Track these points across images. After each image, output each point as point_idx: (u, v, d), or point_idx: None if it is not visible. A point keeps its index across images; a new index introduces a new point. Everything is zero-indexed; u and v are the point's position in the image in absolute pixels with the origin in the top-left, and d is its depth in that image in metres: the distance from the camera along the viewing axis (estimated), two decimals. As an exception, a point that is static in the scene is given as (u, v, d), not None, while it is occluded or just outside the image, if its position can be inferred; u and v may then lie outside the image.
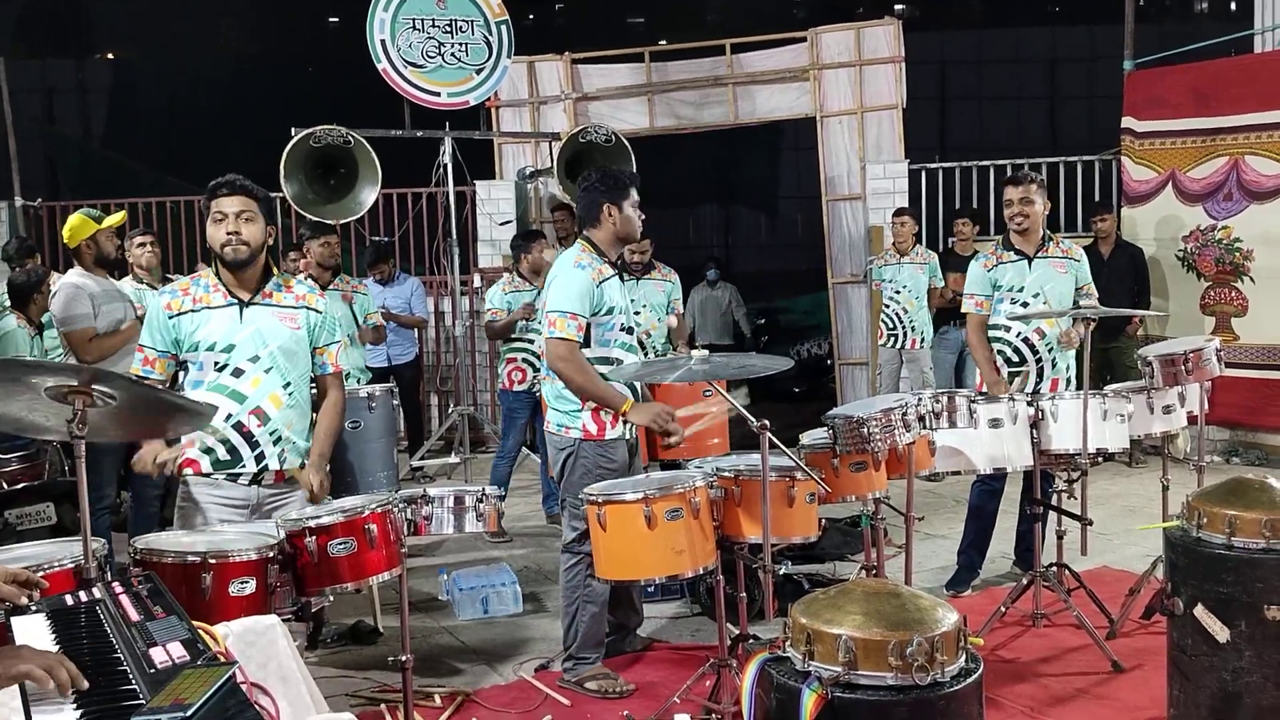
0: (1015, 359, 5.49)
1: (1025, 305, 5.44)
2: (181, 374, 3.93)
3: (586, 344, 4.46)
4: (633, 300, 6.87)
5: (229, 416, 3.81)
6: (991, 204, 9.80)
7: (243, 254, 3.82)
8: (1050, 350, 5.44)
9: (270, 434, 3.86)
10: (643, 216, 4.66)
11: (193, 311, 3.84)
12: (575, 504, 4.49)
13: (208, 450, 3.84)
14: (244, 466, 3.85)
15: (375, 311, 7.16)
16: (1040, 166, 10.04)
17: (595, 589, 4.51)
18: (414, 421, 9.38)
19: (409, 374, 9.00)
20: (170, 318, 3.85)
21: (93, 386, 2.83)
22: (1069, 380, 5.49)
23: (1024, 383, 5.35)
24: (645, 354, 4.87)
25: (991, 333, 5.55)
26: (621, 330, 4.54)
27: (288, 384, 3.90)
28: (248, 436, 3.83)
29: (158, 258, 6.53)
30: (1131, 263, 8.76)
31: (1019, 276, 5.47)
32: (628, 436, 4.57)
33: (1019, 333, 5.46)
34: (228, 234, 3.79)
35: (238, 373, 3.82)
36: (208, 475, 3.84)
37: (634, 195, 4.60)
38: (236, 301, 3.86)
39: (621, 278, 4.68)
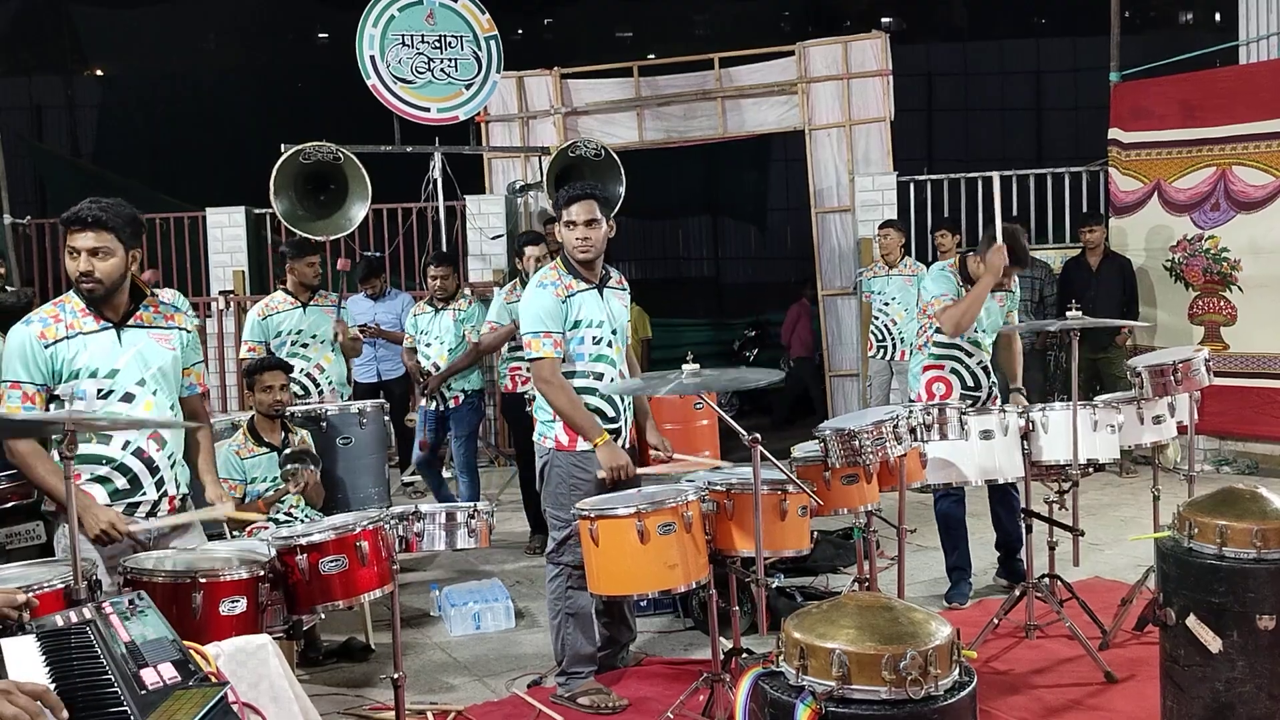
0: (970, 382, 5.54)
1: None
2: (53, 407, 3.61)
3: (563, 359, 4.48)
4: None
5: (127, 444, 3.65)
6: (979, 215, 9.84)
7: (98, 292, 3.60)
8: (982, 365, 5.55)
9: (168, 457, 3.74)
10: (611, 232, 4.62)
11: (68, 339, 3.60)
12: (554, 513, 4.53)
13: (101, 480, 3.64)
14: (144, 495, 3.68)
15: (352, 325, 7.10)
16: (1028, 177, 10.11)
17: (577, 600, 4.52)
18: (404, 437, 9.35)
19: (399, 390, 8.98)
20: (45, 346, 3.58)
21: None
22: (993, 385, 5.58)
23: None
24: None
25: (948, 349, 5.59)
26: (593, 343, 4.53)
27: (173, 406, 3.77)
28: (148, 462, 3.68)
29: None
30: (1120, 274, 8.80)
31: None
32: (624, 448, 4.57)
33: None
34: (81, 273, 3.56)
35: (128, 398, 3.63)
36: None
37: (571, 213, 4.50)
38: (111, 324, 3.66)
39: (601, 292, 4.63)
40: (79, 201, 3.63)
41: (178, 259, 10.47)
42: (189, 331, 3.87)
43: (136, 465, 3.67)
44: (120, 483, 3.65)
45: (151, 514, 3.69)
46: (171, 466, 3.76)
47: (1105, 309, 8.14)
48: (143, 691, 1.96)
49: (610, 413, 4.55)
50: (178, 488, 3.78)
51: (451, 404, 7.16)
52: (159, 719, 1.80)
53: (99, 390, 3.60)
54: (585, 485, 4.45)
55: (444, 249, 8.85)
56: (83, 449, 3.52)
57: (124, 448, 3.65)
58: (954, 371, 5.53)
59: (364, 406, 6.00)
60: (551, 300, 4.48)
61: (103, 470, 3.63)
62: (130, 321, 3.71)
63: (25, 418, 3.44)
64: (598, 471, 4.45)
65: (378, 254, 9.81)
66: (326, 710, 4.39)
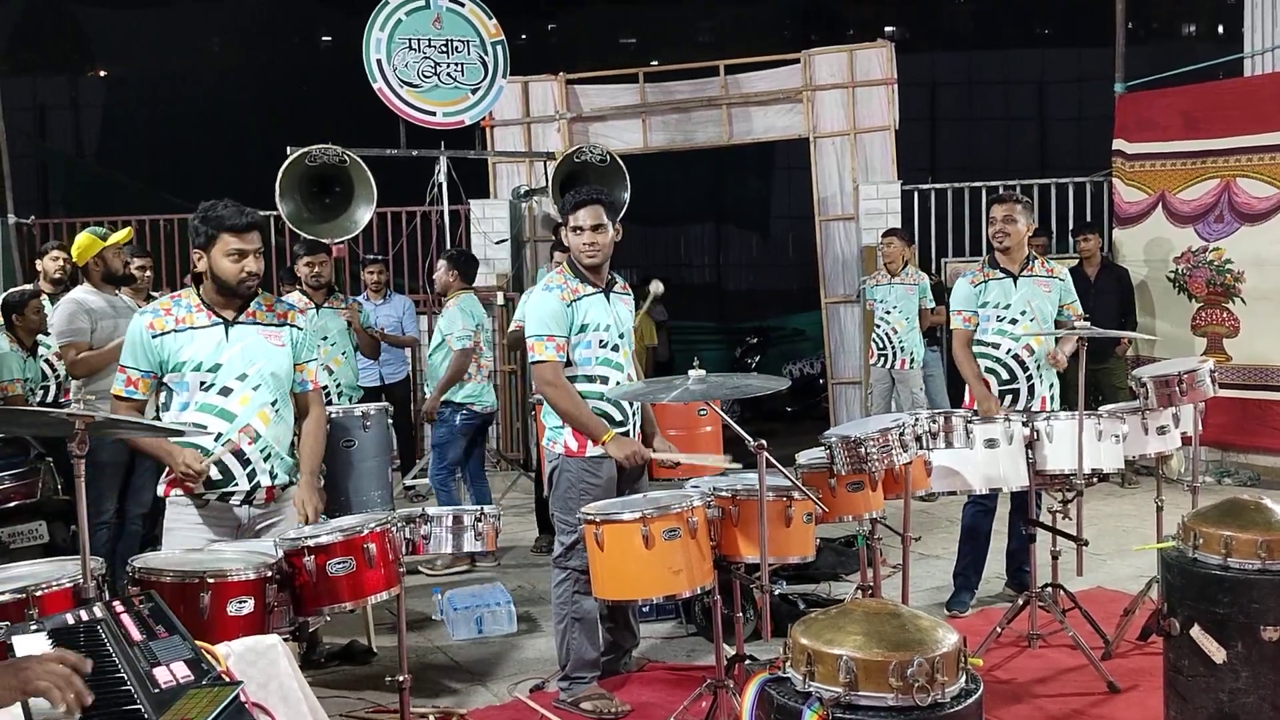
0: (1006, 376, 5.52)
1: (1014, 322, 5.50)
2: (163, 395, 3.90)
3: (567, 363, 4.50)
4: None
5: (219, 435, 3.81)
6: (982, 225, 9.84)
7: (255, 290, 3.90)
8: (1039, 366, 5.50)
9: (261, 451, 3.87)
10: (618, 236, 4.63)
11: (176, 331, 3.82)
12: (563, 518, 4.55)
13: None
14: (236, 486, 3.84)
15: (371, 326, 7.13)
16: (1031, 187, 10.12)
17: (583, 605, 4.52)
18: (405, 441, 9.36)
19: (400, 393, 8.99)
20: (154, 337, 3.82)
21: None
22: (1053, 398, 5.54)
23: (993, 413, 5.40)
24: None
25: (979, 349, 5.60)
26: (600, 347, 4.55)
27: (274, 401, 3.90)
28: (239, 454, 3.83)
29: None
30: (1118, 284, 8.82)
31: (1004, 294, 5.54)
32: None
33: (1009, 349, 5.51)
34: (248, 273, 3.82)
35: (225, 391, 3.82)
36: (200, 496, 3.83)
37: (578, 218, 4.53)
38: (221, 321, 3.86)
39: (608, 296, 4.65)
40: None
41: (181, 260, 10.47)
42: (300, 329, 4.04)
43: (227, 457, 3.82)
44: (213, 473, 3.81)
45: (246, 503, 3.86)
46: (267, 459, 3.88)
47: (1103, 319, 8.11)
48: (156, 690, 1.97)
49: (618, 416, 4.55)
50: (274, 479, 3.90)
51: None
52: (173, 717, 1.80)
53: (201, 383, 3.81)
54: (595, 490, 4.45)
55: (445, 251, 8.81)
56: (180, 440, 3.76)
57: (217, 439, 3.81)
58: (990, 370, 5.54)
59: (368, 409, 5.99)
60: (557, 304, 4.50)
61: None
62: (241, 319, 3.88)
63: (37, 412, 3.49)
64: (610, 475, 4.47)
65: (380, 256, 9.81)
66: (330, 712, 4.38)
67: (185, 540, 3.76)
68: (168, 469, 3.85)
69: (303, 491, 3.93)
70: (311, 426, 4.10)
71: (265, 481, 3.87)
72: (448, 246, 8.78)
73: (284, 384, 3.96)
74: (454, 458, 7.02)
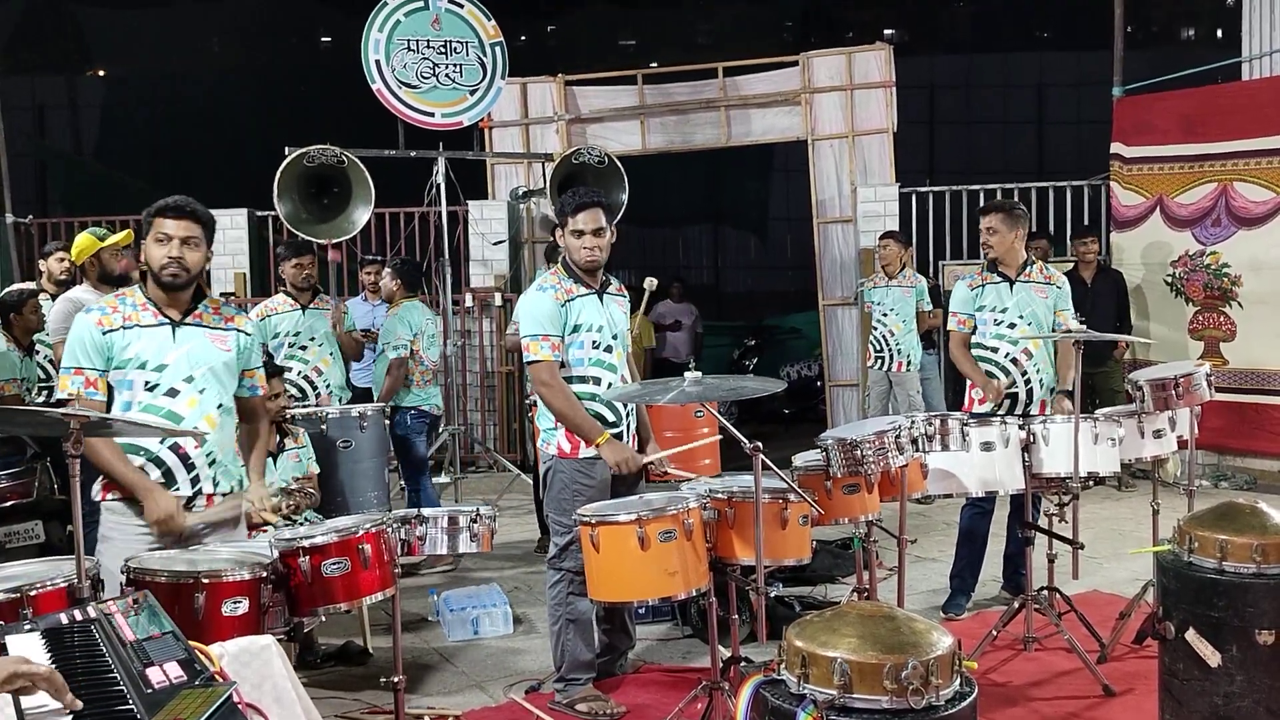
0: (1004, 379, 5.55)
1: (1011, 326, 5.53)
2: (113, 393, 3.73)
3: (561, 364, 4.51)
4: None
5: (164, 439, 3.69)
6: (980, 228, 9.84)
7: (182, 279, 3.70)
8: (1037, 371, 5.52)
9: (206, 456, 3.75)
10: (613, 238, 4.63)
11: (124, 329, 3.70)
12: (556, 519, 4.57)
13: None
14: (178, 490, 3.70)
15: (352, 328, 7.07)
16: (1029, 190, 10.13)
17: (578, 606, 4.53)
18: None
19: (395, 395, 8.98)
20: (104, 334, 3.69)
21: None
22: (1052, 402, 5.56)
23: (998, 397, 5.44)
24: None
25: (977, 352, 5.63)
26: (593, 348, 4.55)
27: (221, 405, 3.80)
28: (184, 459, 3.71)
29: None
30: (1114, 288, 8.82)
31: (1000, 298, 5.59)
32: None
33: (1006, 353, 5.53)
34: (170, 257, 3.66)
35: (172, 393, 3.69)
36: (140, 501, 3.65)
37: (577, 221, 4.52)
38: (168, 321, 3.74)
39: (601, 297, 4.65)
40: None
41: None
42: (248, 335, 3.93)
43: (171, 460, 3.70)
44: (155, 475, 3.68)
45: (187, 508, 3.73)
46: (211, 465, 3.77)
47: (1099, 323, 8.13)
48: (148, 690, 1.97)
49: (611, 417, 4.56)
50: (216, 485, 3.79)
51: None
52: (165, 717, 1.80)
53: (146, 383, 3.68)
54: (588, 491, 4.46)
55: (445, 254, 8.82)
56: (121, 440, 3.62)
57: (161, 442, 3.69)
58: (988, 374, 5.57)
59: (365, 410, 6.00)
60: (550, 304, 4.50)
61: (138, 462, 3.67)
62: (188, 320, 3.77)
63: (33, 411, 3.45)
64: (604, 476, 4.47)
65: (379, 257, 9.81)
66: (323, 714, 4.38)
67: (125, 550, 3.54)
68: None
69: (258, 490, 3.92)
70: (257, 430, 4.03)
71: (207, 489, 3.76)
72: (446, 247, 8.78)
73: (229, 389, 3.85)
74: (419, 456, 7.06)
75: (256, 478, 3.96)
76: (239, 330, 3.89)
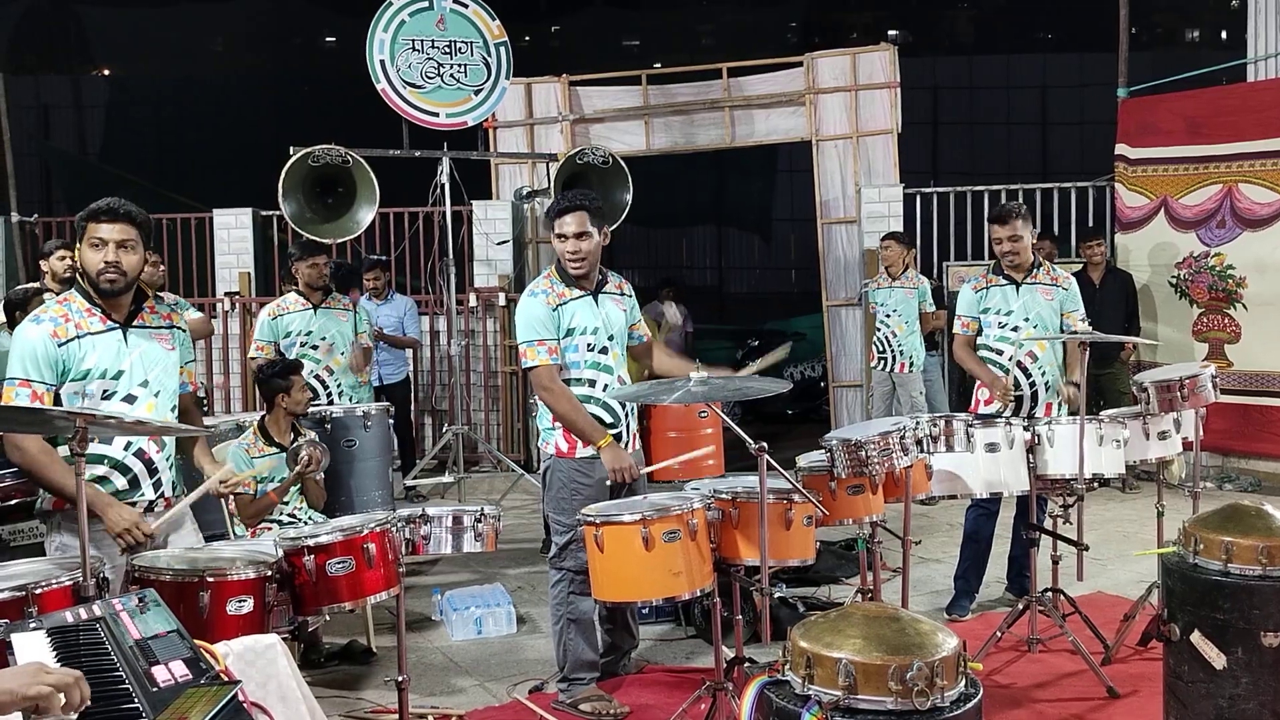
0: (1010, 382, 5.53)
1: (1016, 329, 5.52)
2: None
3: (560, 366, 4.51)
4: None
5: (129, 444, 3.66)
6: (984, 229, 9.84)
7: (119, 285, 3.61)
8: (1043, 374, 5.51)
9: (166, 460, 3.76)
10: (606, 240, 4.62)
11: (79, 338, 3.59)
12: (556, 518, 4.58)
13: (100, 479, 3.62)
14: (143, 495, 3.69)
15: (364, 331, 7.05)
16: (1034, 192, 10.12)
17: (580, 606, 4.53)
18: (406, 441, 9.37)
19: (400, 394, 8.99)
20: (60, 345, 3.56)
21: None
22: (1058, 404, 5.54)
23: (1006, 395, 5.42)
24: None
25: (983, 355, 5.62)
26: (588, 350, 4.55)
27: (173, 407, 3.78)
28: (148, 464, 3.70)
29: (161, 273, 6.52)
30: (1122, 289, 8.82)
31: (1005, 301, 5.57)
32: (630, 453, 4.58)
33: (1011, 355, 5.51)
34: (105, 263, 3.56)
35: (130, 399, 3.64)
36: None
37: (562, 224, 4.50)
38: (117, 325, 3.66)
39: (596, 298, 4.63)
40: (85, 200, 3.65)
41: (184, 260, 10.49)
42: (184, 330, 3.90)
43: (137, 466, 3.69)
44: (120, 483, 3.66)
45: (148, 512, 3.70)
46: (170, 468, 3.80)
47: (1108, 324, 8.13)
48: (154, 689, 1.97)
49: (608, 419, 4.56)
50: (173, 489, 3.81)
51: None
52: (171, 716, 1.80)
53: (104, 391, 3.61)
54: (586, 490, 4.47)
55: (449, 254, 8.79)
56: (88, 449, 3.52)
57: (126, 448, 3.67)
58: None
59: (369, 409, 5.99)
60: (543, 308, 4.51)
61: (102, 470, 3.64)
62: (134, 323, 3.72)
63: (37, 410, 3.43)
64: (602, 475, 4.47)
65: (383, 257, 9.83)
66: (327, 713, 4.38)
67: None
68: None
69: (226, 470, 3.93)
70: (196, 422, 4.01)
71: (167, 492, 3.77)
72: (450, 247, 8.78)
73: (176, 388, 3.82)
74: None
75: (210, 462, 3.94)
76: (177, 327, 3.86)
